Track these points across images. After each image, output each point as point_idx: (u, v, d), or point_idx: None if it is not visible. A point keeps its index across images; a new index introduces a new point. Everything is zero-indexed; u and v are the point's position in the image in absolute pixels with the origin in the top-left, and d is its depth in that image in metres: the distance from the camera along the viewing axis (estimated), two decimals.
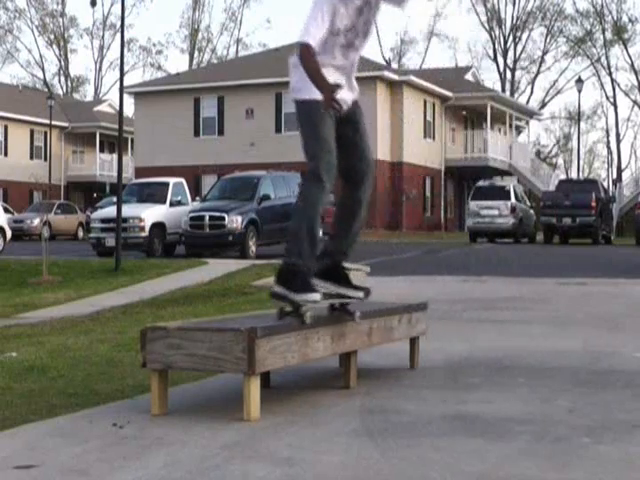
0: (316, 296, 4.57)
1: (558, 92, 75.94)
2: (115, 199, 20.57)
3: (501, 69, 72.95)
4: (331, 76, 4.60)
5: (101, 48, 78.15)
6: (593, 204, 30.75)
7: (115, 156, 45.69)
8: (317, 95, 4.52)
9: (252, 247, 21.34)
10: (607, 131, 79.36)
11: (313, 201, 4.67)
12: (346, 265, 5.05)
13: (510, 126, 51.86)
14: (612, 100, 72.97)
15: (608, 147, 79.08)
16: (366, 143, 4.95)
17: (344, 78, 4.82)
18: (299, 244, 4.71)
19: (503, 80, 72.15)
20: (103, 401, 4.67)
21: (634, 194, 47.01)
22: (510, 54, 72.89)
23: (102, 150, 56.62)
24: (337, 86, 4.49)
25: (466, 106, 48.17)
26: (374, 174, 5.01)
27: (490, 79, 76.37)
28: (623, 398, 4.73)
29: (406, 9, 5.00)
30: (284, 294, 4.63)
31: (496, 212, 32.15)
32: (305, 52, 4.53)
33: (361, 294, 4.92)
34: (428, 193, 45.82)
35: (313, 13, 4.60)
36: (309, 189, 4.70)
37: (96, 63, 79.05)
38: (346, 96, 4.78)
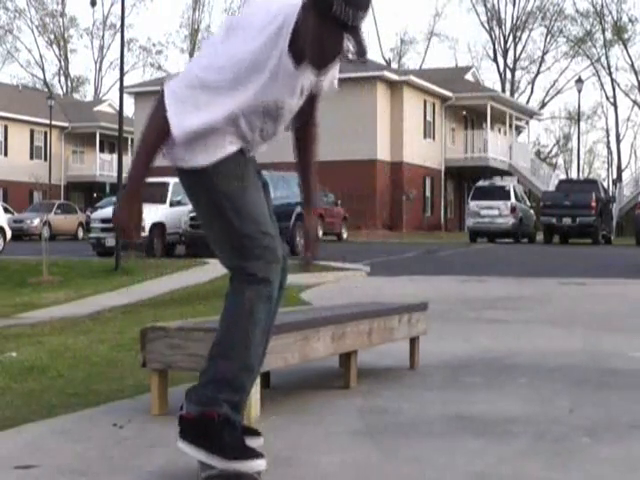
0: (262, 463, 3.09)
1: (558, 92, 76.01)
2: (115, 199, 20.55)
3: (501, 69, 73.01)
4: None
5: (101, 48, 78.23)
6: (593, 204, 30.77)
7: (115, 156, 45.67)
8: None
9: None
10: (607, 131, 79.50)
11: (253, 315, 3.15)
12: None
13: (510, 126, 51.86)
14: (612, 100, 73.05)
15: (608, 147, 79.15)
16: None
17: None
18: (229, 376, 3.12)
19: (503, 80, 72.17)
20: (103, 401, 4.66)
21: (634, 194, 47.02)
22: (510, 54, 72.94)
23: (102, 150, 56.63)
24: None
25: (466, 106, 48.18)
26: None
27: (490, 79, 76.45)
28: (623, 398, 4.73)
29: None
30: (205, 461, 3.08)
31: (496, 212, 32.16)
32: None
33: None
34: (428, 193, 45.83)
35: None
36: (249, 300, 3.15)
37: (96, 63, 79.16)
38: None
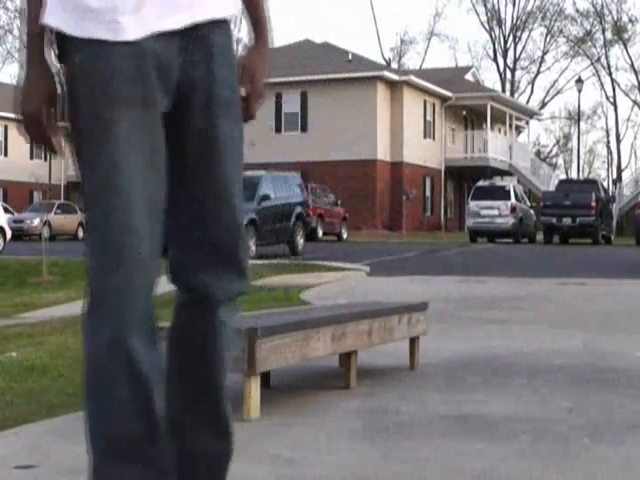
0: None
1: (558, 92, 75.97)
2: None
3: (501, 69, 72.97)
4: None
5: None
6: (593, 204, 30.76)
7: None
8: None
9: (252, 247, 21.32)
10: (607, 131, 79.40)
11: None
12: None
13: (510, 126, 51.85)
14: (612, 100, 73.01)
15: (608, 147, 79.10)
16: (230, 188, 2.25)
17: None
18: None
19: (503, 80, 72.14)
20: None
21: (634, 194, 47.00)
22: (510, 54, 72.89)
23: None
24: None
25: (466, 106, 48.17)
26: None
27: (490, 79, 76.45)
28: (624, 398, 4.73)
29: None
30: None
31: (496, 212, 32.16)
32: None
33: None
34: (428, 193, 45.82)
35: None
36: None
37: None
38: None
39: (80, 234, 39.37)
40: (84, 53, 1.97)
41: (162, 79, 2.00)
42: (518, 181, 45.28)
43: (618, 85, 73.28)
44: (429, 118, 45.81)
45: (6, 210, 33.21)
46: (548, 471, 3.34)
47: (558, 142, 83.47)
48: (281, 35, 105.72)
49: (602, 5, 70.70)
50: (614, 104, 72.86)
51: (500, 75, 72.76)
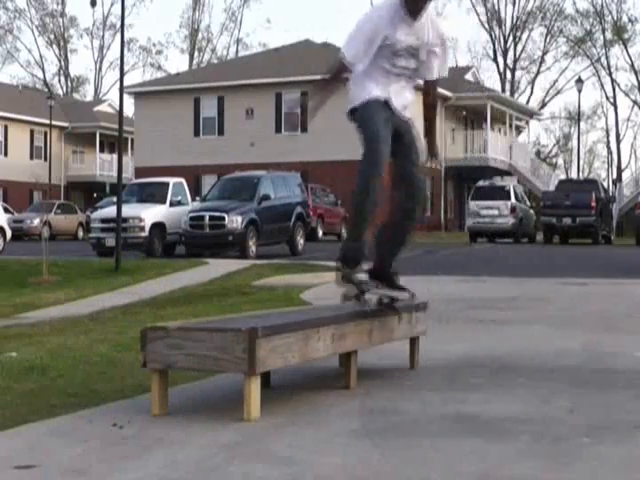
0: (363, 276, 5.14)
1: (558, 92, 75.93)
2: (115, 199, 20.57)
3: (501, 69, 72.96)
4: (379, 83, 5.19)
5: (101, 48, 78.16)
6: (593, 204, 30.77)
7: (115, 156, 45.65)
8: (367, 96, 5.14)
9: (252, 247, 21.33)
10: (607, 131, 79.33)
11: (364, 182, 5.12)
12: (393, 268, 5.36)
13: (510, 126, 51.84)
14: (612, 100, 72.99)
15: (608, 147, 79.08)
16: (414, 158, 5.28)
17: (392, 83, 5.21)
18: (352, 225, 5.27)
19: (503, 80, 72.13)
20: (103, 401, 4.66)
21: (634, 194, 47.00)
22: (510, 54, 72.87)
23: (102, 150, 56.61)
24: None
25: (466, 106, 48.16)
26: (425, 193, 5.42)
27: (490, 79, 76.23)
28: (624, 398, 4.73)
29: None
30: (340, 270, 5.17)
31: (496, 212, 32.15)
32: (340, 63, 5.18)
33: (406, 295, 5.36)
34: (428, 193, 45.80)
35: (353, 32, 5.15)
36: (363, 172, 5.17)
37: (96, 63, 79.07)
38: (395, 100, 5.22)
39: (80, 234, 39.38)
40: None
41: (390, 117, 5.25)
42: (518, 181, 45.24)
43: (618, 85, 73.27)
44: None
45: (6, 210, 33.21)
46: (548, 471, 3.34)
47: (558, 142, 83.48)
48: (281, 35, 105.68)
49: (602, 5, 70.72)
50: (614, 104, 72.87)
51: (500, 75, 72.76)
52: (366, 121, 5.15)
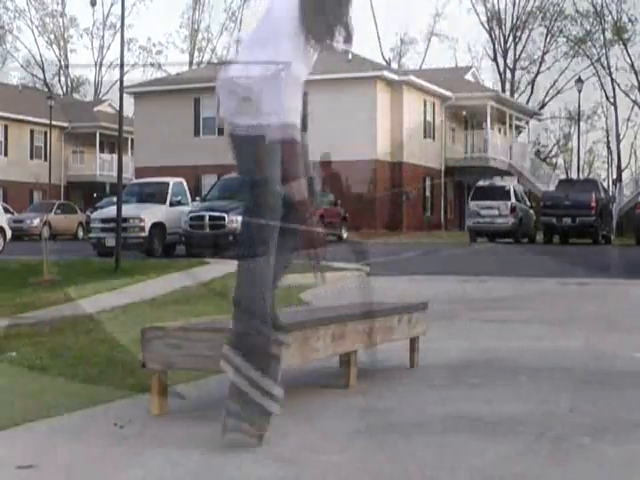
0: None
1: (558, 92, 75.88)
2: (115, 199, 20.56)
3: (501, 69, 72.95)
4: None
5: (101, 48, 78.16)
6: (593, 204, 30.77)
7: (115, 156, 45.65)
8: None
9: None
10: (607, 131, 79.29)
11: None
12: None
13: (510, 126, 51.85)
14: (612, 100, 72.96)
15: (608, 147, 79.01)
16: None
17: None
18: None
19: (503, 80, 72.11)
20: (103, 401, 4.66)
21: (634, 194, 47.01)
22: (510, 54, 72.85)
23: (102, 150, 56.59)
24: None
25: (466, 106, 48.16)
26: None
27: (490, 79, 76.18)
28: (624, 398, 4.73)
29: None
30: None
31: (496, 212, 32.15)
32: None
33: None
34: (428, 193, 45.81)
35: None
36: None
37: (96, 63, 79.09)
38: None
39: (80, 234, 39.38)
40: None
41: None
42: (518, 181, 45.27)
43: (618, 85, 73.22)
44: (429, 118, 45.79)
45: (6, 210, 33.20)
46: (548, 471, 3.34)
47: (558, 142, 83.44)
48: None
49: (602, 5, 70.67)
50: (614, 104, 72.83)
51: (500, 75, 72.75)
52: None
